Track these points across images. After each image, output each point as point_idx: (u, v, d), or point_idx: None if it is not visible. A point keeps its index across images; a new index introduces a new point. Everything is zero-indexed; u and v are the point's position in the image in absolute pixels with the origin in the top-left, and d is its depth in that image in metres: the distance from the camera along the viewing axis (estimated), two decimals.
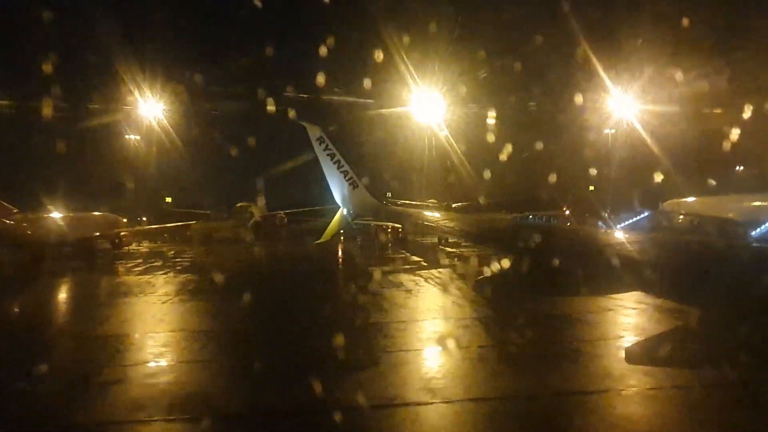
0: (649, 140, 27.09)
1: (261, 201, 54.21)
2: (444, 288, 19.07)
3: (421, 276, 21.66)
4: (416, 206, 35.88)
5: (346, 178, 17.94)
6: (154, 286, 20.75)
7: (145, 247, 41.70)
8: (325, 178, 18.59)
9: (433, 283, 20.21)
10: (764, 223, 21.26)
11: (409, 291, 18.21)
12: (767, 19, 22.82)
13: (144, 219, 51.90)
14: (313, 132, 18.45)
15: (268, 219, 50.94)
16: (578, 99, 28.67)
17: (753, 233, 21.81)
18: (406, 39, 24.33)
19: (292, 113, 24.33)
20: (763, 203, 22.21)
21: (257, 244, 42.46)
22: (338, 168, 18.05)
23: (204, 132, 35.84)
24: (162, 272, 25.40)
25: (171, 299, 17.94)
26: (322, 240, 23.46)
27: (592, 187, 40.12)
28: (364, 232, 43.93)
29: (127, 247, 36.60)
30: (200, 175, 51.44)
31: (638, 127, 27.55)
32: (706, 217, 25.64)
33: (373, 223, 40.72)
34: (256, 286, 19.85)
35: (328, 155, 18.20)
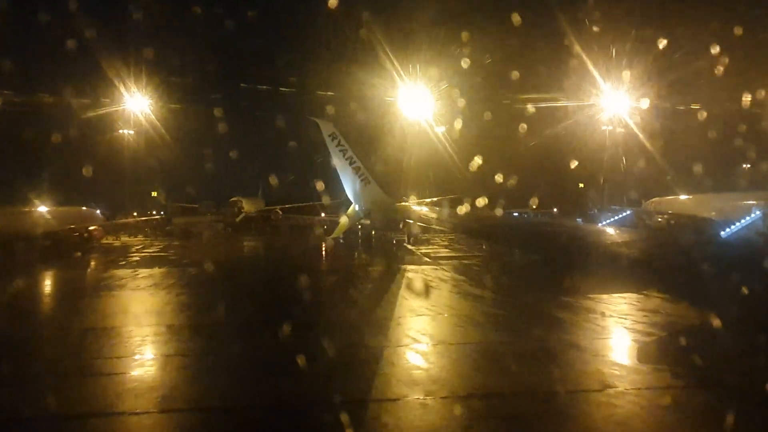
0: (638, 139, 27.90)
1: (259, 196, 54.34)
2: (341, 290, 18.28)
3: (345, 276, 21.46)
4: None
5: (358, 174, 18.28)
6: (74, 282, 20.42)
7: (118, 241, 40.98)
8: (337, 174, 19.01)
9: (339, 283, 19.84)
10: (736, 222, 22.88)
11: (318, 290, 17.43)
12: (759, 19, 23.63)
13: (125, 213, 51.44)
14: (326, 128, 18.81)
15: (263, 214, 50.94)
16: (568, 98, 29.36)
17: (722, 232, 23.27)
18: (387, 35, 24.41)
19: (304, 109, 24.68)
20: (740, 202, 23.85)
21: (225, 240, 41.71)
22: (350, 164, 18.39)
23: (202, 127, 35.59)
24: (102, 268, 24.95)
25: (80, 296, 17.31)
26: (334, 235, 23.72)
27: (581, 185, 41.60)
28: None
29: (98, 241, 35.80)
30: (198, 171, 51.27)
31: (631, 123, 28.25)
32: (683, 216, 27.36)
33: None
34: (170, 283, 19.32)
35: (340, 151, 18.53)
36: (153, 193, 48.13)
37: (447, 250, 29.64)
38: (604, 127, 29.69)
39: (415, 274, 20.83)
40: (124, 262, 27.44)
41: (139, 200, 49.22)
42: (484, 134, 29.55)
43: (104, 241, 38.33)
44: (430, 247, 31.09)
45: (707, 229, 25.01)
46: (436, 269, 21.95)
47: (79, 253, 31.03)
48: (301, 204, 46.04)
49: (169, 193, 52.16)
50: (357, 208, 19.42)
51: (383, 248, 30.43)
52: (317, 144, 23.03)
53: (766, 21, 23.69)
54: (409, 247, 29.46)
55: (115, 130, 35.20)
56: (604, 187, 37.50)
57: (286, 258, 31.17)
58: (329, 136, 18.90)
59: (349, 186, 18.90)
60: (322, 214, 44.80)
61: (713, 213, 23.92)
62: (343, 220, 21.05)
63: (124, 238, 43.26)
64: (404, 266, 22.93)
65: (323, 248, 30.33)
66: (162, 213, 50.43)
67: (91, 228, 35.84)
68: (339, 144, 18.83)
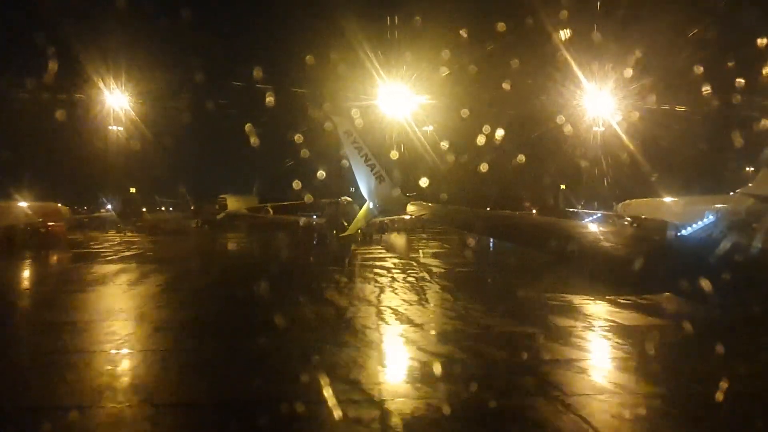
0: (621, 142, 29.30)
1: (254, 194, 54.59)
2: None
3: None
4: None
5: (373, 172, 18.68)
6: None
7: (79, 236, 39.87)
8: (337, 170, 19.62)
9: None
10: (694, 224, 25.67)
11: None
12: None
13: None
14: (342, 125, 19.22)
15: (252, 212, 50.97)
16: (552, 100, 30.24)
17: (680, 233, 26.06)
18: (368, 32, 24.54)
19: (312, 107, 25.08)
20: (700, 206, 26.62)
21: (186, 238, 41.91)
22: (365, 161, 18.80)
23: (201, 126, 35.39)
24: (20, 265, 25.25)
25: None
26: (347, 233, 23.86)
27: (563, 186, 43.90)
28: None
29: (57, 238, 34.76)
30: (197, 170, 51.74)
31: (615, 125, 29.31)
32: (645, 219, 30.09)
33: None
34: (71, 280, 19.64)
35: (355, 149, 18.96)
36: (131, 189, 48.11)
37: (389, 253, 29.19)
38: (595, 128, 31.43)
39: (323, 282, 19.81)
40: (56, 261, 27.17)
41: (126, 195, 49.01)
42: (469, 134, 30.92)
43: (68, 237, 37.26)
44: (375, 248, 30.61)
45: (668, 231, 27.37)
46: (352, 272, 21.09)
47: (26, 250, 29.53)
48: (294, 202, 46.39)
49: (160, 190, 52.41)
50: (371, 205, 20.01)
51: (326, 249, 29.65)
52: (318, 142, 23.53)
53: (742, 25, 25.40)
54: (353, 247, 28.95)
55: (104, 125, 35.12)
56: (584, 188, 39.79)
57: (223, 257, 31.43)
58: (345, 132, 19.46)
59: (364, 183, 19.38)
60: (300, 213, 45.24)
61: (676, 216, 26.38)
62: (358, 217, 21.57)
63: (96, 233, 42.63)
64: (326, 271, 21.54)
65: (270, 249, 30.30)
66: (144, 209, 50.36)
67: (51, 224, 34.89)
68: (354, 141, 19.34)
